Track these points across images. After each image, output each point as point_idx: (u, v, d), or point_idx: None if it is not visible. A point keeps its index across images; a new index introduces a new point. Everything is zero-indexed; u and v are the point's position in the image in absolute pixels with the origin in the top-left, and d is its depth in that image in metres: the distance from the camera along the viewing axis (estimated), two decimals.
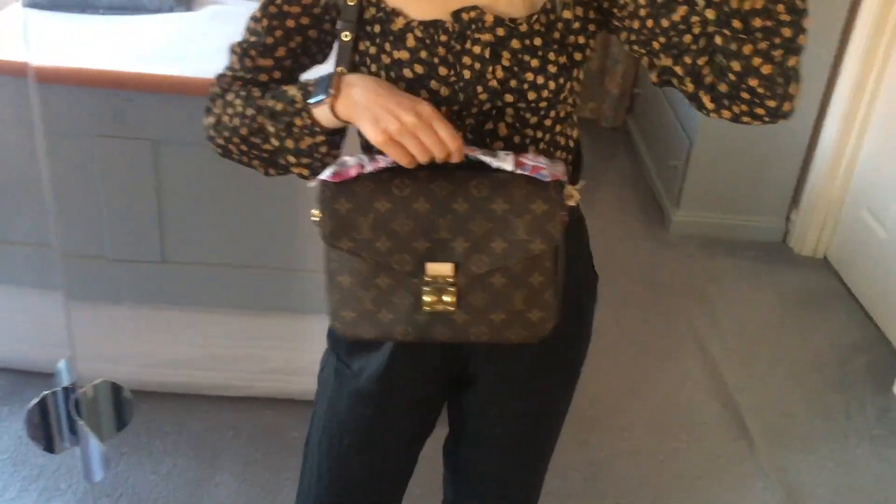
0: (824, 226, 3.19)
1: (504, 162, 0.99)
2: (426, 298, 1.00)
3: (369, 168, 0.99)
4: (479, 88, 1.01)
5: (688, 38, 0.95)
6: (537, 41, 1.01)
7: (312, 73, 1.09)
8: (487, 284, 1.00)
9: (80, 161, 2.02)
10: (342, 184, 0.99)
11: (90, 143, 2.00)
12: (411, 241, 0.99)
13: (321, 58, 1.12)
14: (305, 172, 1.06)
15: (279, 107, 1.02)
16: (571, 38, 1.03)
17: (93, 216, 2.07)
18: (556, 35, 1.02)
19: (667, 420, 2.39)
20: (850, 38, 2.95)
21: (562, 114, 1.07)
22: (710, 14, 0.91)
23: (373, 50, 1.03)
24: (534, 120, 1.05)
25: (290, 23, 1.06)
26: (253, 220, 2.07)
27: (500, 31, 1.00)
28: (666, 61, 0.98)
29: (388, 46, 1.02)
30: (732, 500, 2.14)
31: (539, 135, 1.06)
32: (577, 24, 1.02)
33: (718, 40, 0.93)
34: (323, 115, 1.00)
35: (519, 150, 1.05)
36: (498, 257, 0.99)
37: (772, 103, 0.95)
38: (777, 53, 0.91)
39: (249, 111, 1.04)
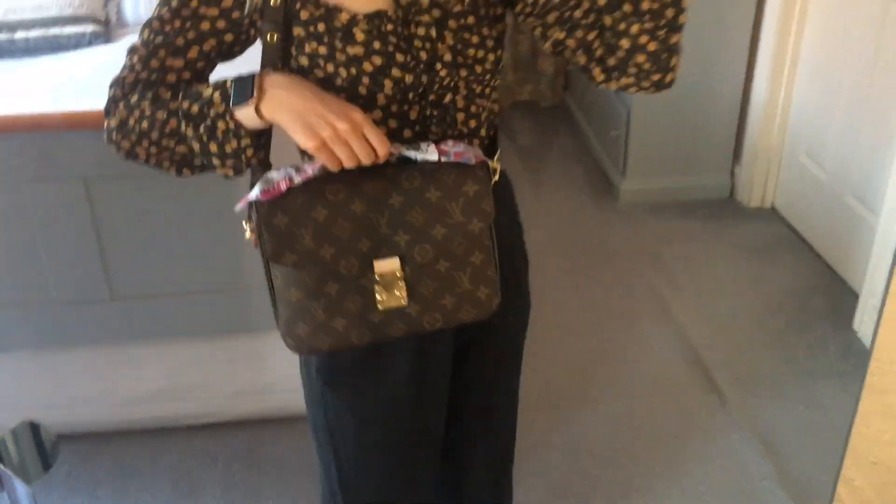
0: (768, 175, 3.24)
1: (427, 153, 1.01)
2: (379, 297, 1.01)
3: (298, 179, 0.99)
4: (439, 66, 1.04)
5: (579, 13, 1.03)
6: (471, 19, 1.05)
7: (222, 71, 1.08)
8: (434, 272, 1.02)
9: (14, 208, 1.99)
10: (275, 199, 0.98)
11: (23, 188, 1.97)
12: (355, 243, 1.00)
13: (236, 56, 1.10)
14: (230, 173, 1.04)
15: (195, 109, 1.00)
16: (493, 11, 1.09)
17: (35, 261, 2.04)
18: (483, 11, 1.07)
19: (637, 384, 2.42)
20: None
21: (496, 82, 1.13)
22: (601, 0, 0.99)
23: (323, 50, 1.02)
24: (480, 89, 1.10)
25: (206, 25, 1.04)
26: (195, 244, 2.05)
27: (436, 13, 1.03)
28: (559, 34, 1.05)
29: (338, 44, 1.01)
30: (710, 456, 2.17)
31: (486, 104, 1.12)
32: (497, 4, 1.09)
33: (608, 21, 1.00)
34: (247, 117, 0.99)
35: (475, 119, 1.11)
36: (440, 243, 1.01)
37: (657, 76, 1.04)
38: (661, 32, 0.99)
39: (161, 114, 1.02)
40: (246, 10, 1.03)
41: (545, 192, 3.46)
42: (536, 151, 3.80)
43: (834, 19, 2.78)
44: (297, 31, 1.03)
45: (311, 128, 0.95)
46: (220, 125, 0.99)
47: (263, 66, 1.02)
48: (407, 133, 1.07)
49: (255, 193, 0.99)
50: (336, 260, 0.99)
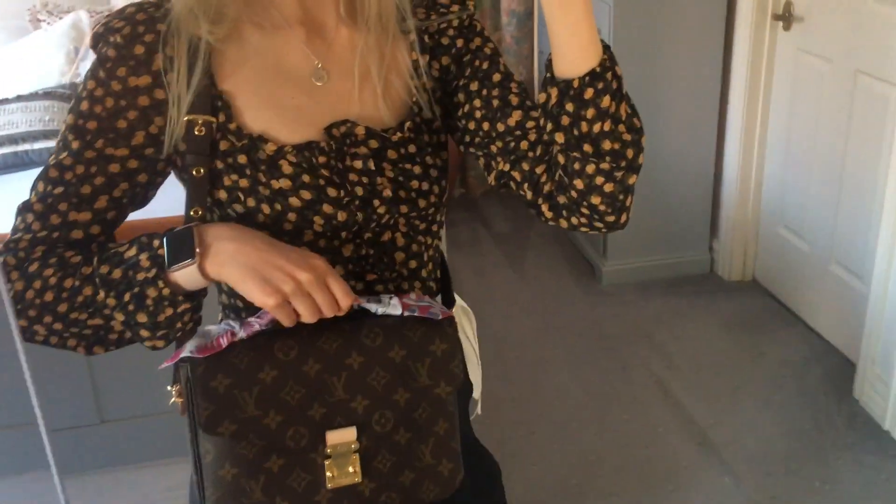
0: (746, 249, 3.27)
1: (391, 307, 0.91)
2: (329, 474, 0.87)
3: (242, 334, 0.86)
4: (377, 202, 0.95)
5: (524, 144, 0.95)
6: (412, 148, 0.97)
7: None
8: (392, 443, 0.89)
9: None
10: (214, 357, 0.84)
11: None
12: (305, 410, 0.85)
13: (149, 201, 0.98)
14: (160, 345, 0.89)
15: (116, 274, 0.86)
16: (436, 138, 1.01)
17: (21, 386, 1.92)
18: (426, 137, 0.99)
19: (651, 473, 2.35)
20: (731, 62, 3.09)
21: (442, 217, 1.05)
22: (559, 138, 0.89)
23: (244, 182, 0.91)
24: (423, 226, 1.01)
25: (115, 167, 0.91)
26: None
27: (374, 143, 0.96)
28: (503, 166, 0.97)
29: (262, 177, 0.91)
30: None
31: (429, 240, 1.03)
32: (437, 124, 1.01)
33: (560, 159, 0.91)
34: (187, 277, 0.85)
35: (416, 259, 1.01)
36: (402, 410, 0.89)
37: (611, 218, 0.94)
38: (619, 174, 0.90)
39: (70, 282, 0.87)
40: (165, 145, 0.92)
41: (528, 278, 3.43)
42: (514, 238, 3.80)
43: (800, 93, 2.86)
44: (215, 162, 0.92)
45: (268, 283, 0.82)
46: (151, 292, 0.85)
47: (191, 205, 0.91)
48: (339, 270, 0.96)
49: (188, 349, 0.85)
50: (283, 430, 0.85)
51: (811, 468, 2.32)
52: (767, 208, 3.16)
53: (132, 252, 0.86)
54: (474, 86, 0.99)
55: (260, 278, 0.82)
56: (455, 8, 1.03)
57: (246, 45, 0.95)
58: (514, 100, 0.97)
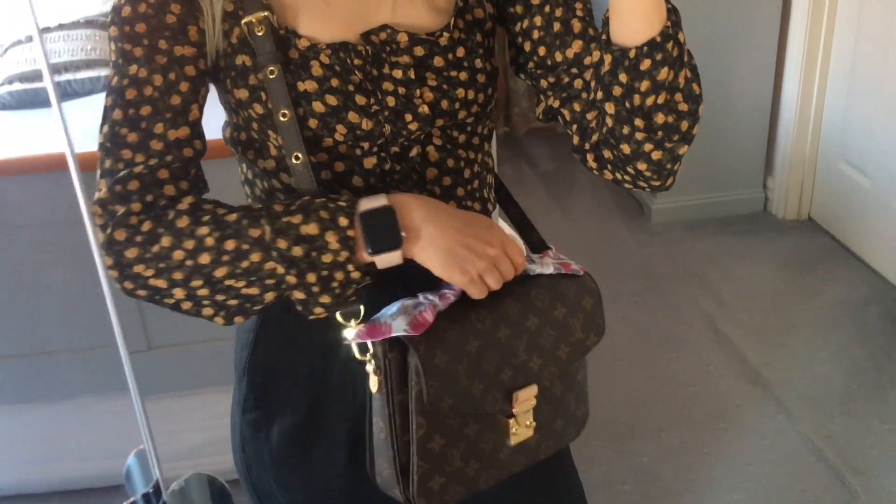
0: (802, 186, 3.15)
1: (542, 266, 0.93)
2: (514, 430, 0.90)
3: (441, 306, 0.85)
4: (409, 117, 0.88)
5: (579, 82, 0.87)
6: (461, 52, 0.89)
7: None
8: (551, 395, 0.93)
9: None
10: (429, 333, 0.83)
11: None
12: (499, 375, 0.87)
13: None
14: (324, 315, 0.84)
15: (297, 252, 0.79)
16: (489, 41, 0.93)
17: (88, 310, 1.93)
18: (477, 38, 0.91)
19: (700, 411, 2.29)
20: None
21: (486, 130, 0.98)
22: (608, 108, 0.83)
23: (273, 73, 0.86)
24: (462, 138, 0.94)
25: (190, 69, 0.84)
26: None
27: (419, 51, 0.88)
28: (554, 101, 0.91)
29: (289, 77, 0.85)
30: (791, 480, 2.05)
31: (471, 155, 0.96)
32: (489, 24, 0.93)
33: (609, 121, 0.85)
34: (386, 262, 0.82)
35: (452, 174, 0.94)
36: (563, 364, 0.92)
37: (656, 182, 0.90)
38: (670, 144, 0.85)
39: (231, 244, 0.78)
40: (207, 57, 0.86)
41: (575, 217, 3.36)
42: (559, 177, 3.71)
43: (867, 16, 2.71)
44: (242, 58, 0.86)
45: (466, 264, 0.82)
46: (339, 276, 0.81)
47: (277, 108, 0.85)
48: (357, 181, 0.90)
49: (400, 327, 0.82)
50: (484, 397, 0.86)
51: (869, 407, 2.25)
52: (827, 143, 3.03)
53: (313, 229, 0.79)
54: (536, 5, 0.89)
55: (458, 261, 0.82)
56: None
57: None
58: (578, 26, 0.87)
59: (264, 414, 0.98)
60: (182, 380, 2.02)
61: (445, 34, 0.89)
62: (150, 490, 0.94)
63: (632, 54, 0.79)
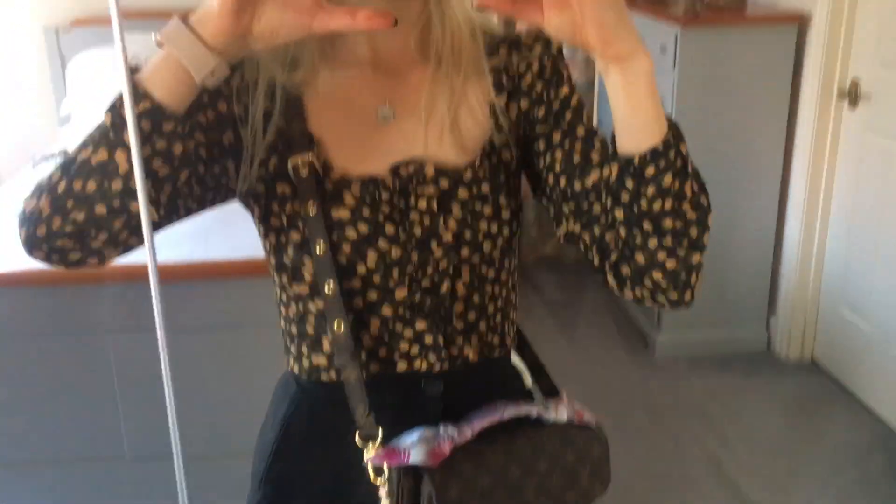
0: (805, 328, 3.19)
1: (559, 413, 0.97)
2: None
3: (459, 440, 0.89)
4: (434, 245, 0.93)
5: (598, 207, 0.91)
6: (485, 187, 0.95)
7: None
8: None
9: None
10: (446, 465, 0.87)
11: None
12: None
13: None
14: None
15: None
16: (514, 181, 0.99)
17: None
18: (502, 178, 0.97)
19: None
20: (795, 134, 3.06)
21: (512, 265, 1.02)
22: (618, 214, 0.87)
23: (312, 210, 0.92)
24: (491, 274, 0.98)
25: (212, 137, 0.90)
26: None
27: (444, 183, 0.93)
28: (574, 227, 0.94)
29: (324, 206, 0.91)
30: None
31: (497, 290, 1.00)
32: (514, 166, 0.99)
33: (622, 232, 0.88)
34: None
35: (477, 310, 0.98)
36: None
37: (674, 295, 0.91)
38: (682, 251, 0.87)
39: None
40: (239, 184, 0.92)
41: (580, 347, 3.39)
42: (565, 306, 3.76)
43: (865, 172, 2.82)
44: (283, 188, 0.93)
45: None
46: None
47: (314, 241, 0.92)
48: (386, 310, 0.95)
49: (419, 455, 0.86)
50: None
51: None
52: (828, 287, 3.09)
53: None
54: (557, 137, 0.96)
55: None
56: (538, 48, 0.98)
57: (319, 85, 0.95)
58: (596, 158, 0.93)
59: None
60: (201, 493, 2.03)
61: (470, 170, 0.95)
62: None
63: (636, 161, 0.83)
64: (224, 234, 2.37)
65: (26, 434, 2.16)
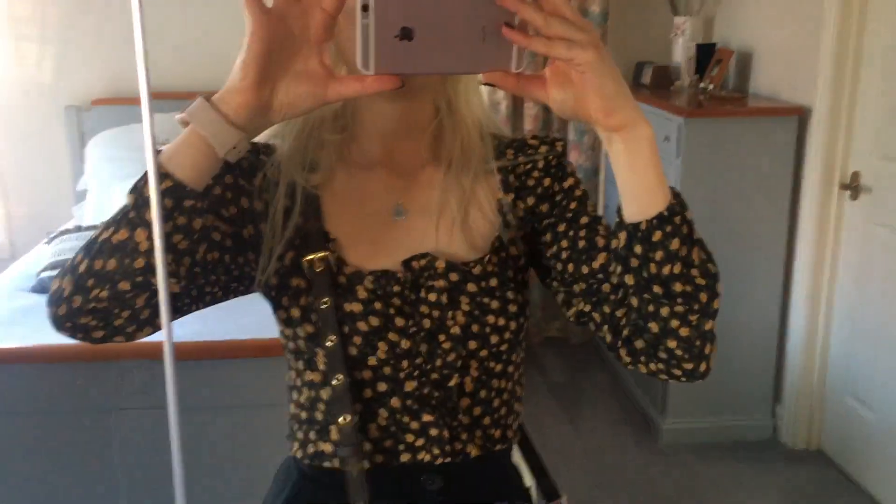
0: (812, 417, 3.17)
1: None
2: None
3: None
4: (442, 337, 0.97)
5: (607, 286, 0.94)
6: (493, 282, 0.99)
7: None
8: None
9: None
10: None
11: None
12: None
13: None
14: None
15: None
16: (521, 276, 1.03)
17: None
18: (510, 273, 1.01)
19: None
20: (797, 224, 3.10)
21: (519, 359, 1.05)
22: (628, 280, 0.90)
23: (325, 304, 0.97)
24: (498, 368, 1.01)
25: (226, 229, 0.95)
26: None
27: (454, 277, 0.98)
28: (584, 307, 0.97)
29: (337, 300, 0.96)
30: None
31: (503, 384, 1.03)
32: (522, 261, 1.03)
33: (634, 302, 0.90)
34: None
35: (483, 405, 1.01)
36: None
37: (689, 365, 0.93)
38: (694, 318, 0.89)
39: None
40: (256, 276, 0.97)
41: (584, 431, 3.37)
42: (570, 388, 3.75)
43: (868, 263, 2.85)
44: (297, 281, 0.97)
45: None
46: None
47: (324, 332, 0.96)
48: (395, 402, 0.98)
49: None
50: None
51: None
52: (834, 376, 3.09)
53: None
54: (562, 227, 1.00)
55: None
56: (543, 149, 1.04)
57: (336, 186, 1.01)
58: (601, 242, 0.97)
59: None
60: None
61: (479, 265, 0.99)
62: None
63: (643, 226, 0.86)
64: (237, 314, 2.41)
65: None
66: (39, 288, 2.75)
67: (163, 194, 0.82)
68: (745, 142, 3.05)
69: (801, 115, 3.03)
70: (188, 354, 2.04)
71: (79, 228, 3.11)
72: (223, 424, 2.16)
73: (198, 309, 0.95)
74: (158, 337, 0.89)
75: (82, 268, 0.84)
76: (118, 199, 2.99)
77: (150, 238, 0.82)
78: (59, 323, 0.86)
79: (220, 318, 2.32)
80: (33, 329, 2.35)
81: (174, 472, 0.87)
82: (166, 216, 0.83)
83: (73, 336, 0.88)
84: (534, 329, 4.13)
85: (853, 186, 2.88)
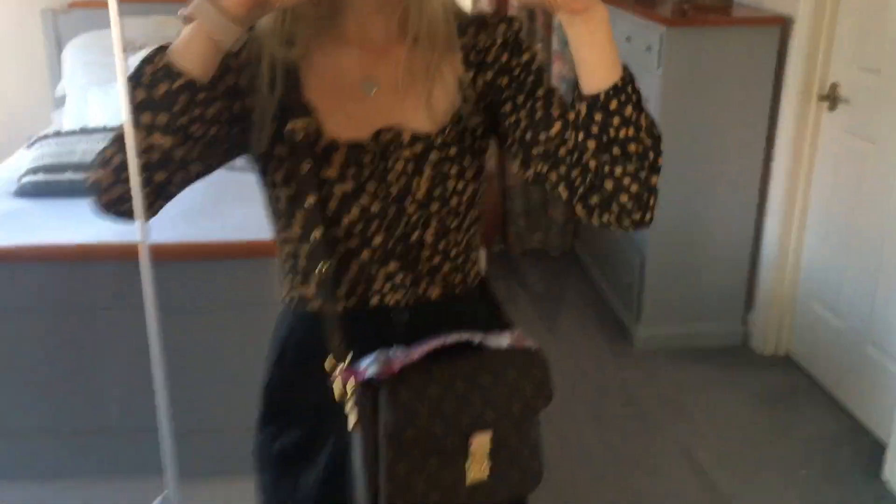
0: (781, 324, 3.27)
1: (501, 341, 1.10)
2: (470, 471, 1.05)
3: (408, 360, 1.04)
4: (408, 200, 1.10)
5: (563, 150, 1.05)
6: (453, 151, 1.11)
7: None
8: (508, 447, 1.08)
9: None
10: (395, 378, 1.02)
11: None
12: (457, 419, 1.04)
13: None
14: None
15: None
16: (479, 144, 1.14)
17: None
18: (468, 143, 1.12)
19: None
20: (776, 135, 3.13)
21: (475, 216, 1.18)
22: (590, 145, 1.01)
23: (306, 169, 1.07)
24: (455, 223, 1.14)
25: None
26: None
27: (419, 147, 1.09)
28: (541, 168, 1.08)
29: (314, 165, 1.07)
30: None
31: (460, 237, 1.16)
32: (481, 130, 1.14)
33: (592, 164, 1.02)
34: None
35: (441, 255, 1.15)
36: (516, 419, 1.08)
37: (637, 215, 1.05)
38: (643, 174, 1.02)
39: None
40: (253, 147, 1.09)
41: (560, 337, 3.46)
42: (549, 297, 3.83)
43: (842, 172, 2.89)
44: (280, 150, 1.08)
45: None
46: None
47: (302, 193, 1.07)
48: (365, 254, 1.11)
49: (373, 370, 1.02)
50: (444, 435, 1.03)
51: None
52: (805, 284, 3.17)
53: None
54: (520, 99, 1.10)
55: None
56: (502, 27, 1.13)
57: (313, 60, 1.10)
58: (556, 111, 1.08)
59: (271, 431, 1.20)
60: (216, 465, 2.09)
61: (440, 136, 1.10)
62: None
63: (602, 97, 0.99)
64: (216, 215, 2.44)
65: (19, 406, 2.22)
66: (20, 192, 2.76)
67: (178, 91, 0.94)
68: (726, 52, 3.05)
69: (783, 26, 3.02)
70: (168, 255, 2.07)
71: (58, 133, 3.09)
72: (211, 324, 2.21)
73: (195, 181, 1.05)
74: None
75: (115, 161, 0.96)
76: (96, 105, 3.03)
77: (165, 133, 0.95)
78: (103, 210, 1.00)
79: (202, 220, 2.36)
80: (15, 232, 2.38)
81: (153, 373, 0.93)
82: (183, 110, 0.94)
83: (113, 218, 1.01)
84: (516, 240, 4.18)
85: (831, 97, 2.90)
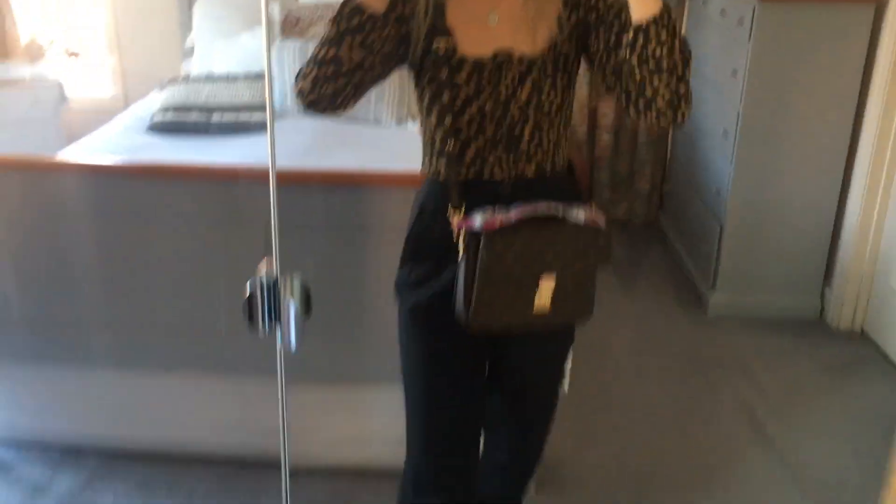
0: (858, 300, 3.31)
1: (579, 217, 1.46)
2: (536, 301, 1.46)
3: (506, 220, 1.43)
4: (513, 104, 1.48)
5: (626, 68, 1.38)
6: (549, 70, 1.48)
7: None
8: (565, 288, 1.48)
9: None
10: (496, 231, 1.42)
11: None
12: (532, 265, 1.44)
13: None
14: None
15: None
16: (570, 65, 1.51)
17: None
18: (560, 64, 1.49)
19: (720, 476, 2.47)
20: (864, 113, 3.17)
21: (565, 118, 1.54)
22: (634, 60, 1.34)
23: (443, 74, 1.46)
24: (546, 122, 1.51)
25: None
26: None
27: (524, 66, 1.47)
28: (612, 81, 1.44)
29: (449, 73, 1.46)
30: None
31: (552, 135, 1.53)
32: (572, 55, 1.51)
33: (637, 76, 1.35)
34: None
35: (538, 147, 1.51)
36: (577, 274, 1.48)
37: (670, 115, 1.37)
38: (674, 84, 1.35)
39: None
40: (410, 57, 1.49)
41: (636, 298, 3.60)
42: (629, 264, 3.96)
43: None
44: (427, 61, 1.47)
45: None
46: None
47: (441, 90, 1.48)
48: (480, 140, 1.49)
49: (478, 223, 1.43)
50: (521, 275, 1.44)
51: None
52: (884, 261, 3.21)
53: None
54: (602, 31, 1.46)
55: None
56: None
57: None
58: (625, 40, 1.38)
59: (410, 265, 1.61)
60: (323, 371, 2.28)
61: (541, 59, 1.47)
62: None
63: (645, 25, 1.31)
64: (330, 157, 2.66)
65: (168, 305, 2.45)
66: (152, 128, 3.08)
67: (366, 21, 1.38)
68: (818, 28, 3.10)
69: (877, 4, 3.06)
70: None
71: (187, 78, 3.41)
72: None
73: (370, 87, 1.49)
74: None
75: (312, 74, 1.41)
76: (221, 54, 3.37)
77: (351, 56, 1.39)
78: (306, 107, 1.45)
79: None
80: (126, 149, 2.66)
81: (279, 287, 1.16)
82: (362, 42, 1.39)
83: (317, 112, 1.47)
84: (601, 209, 4.31)
85: None
